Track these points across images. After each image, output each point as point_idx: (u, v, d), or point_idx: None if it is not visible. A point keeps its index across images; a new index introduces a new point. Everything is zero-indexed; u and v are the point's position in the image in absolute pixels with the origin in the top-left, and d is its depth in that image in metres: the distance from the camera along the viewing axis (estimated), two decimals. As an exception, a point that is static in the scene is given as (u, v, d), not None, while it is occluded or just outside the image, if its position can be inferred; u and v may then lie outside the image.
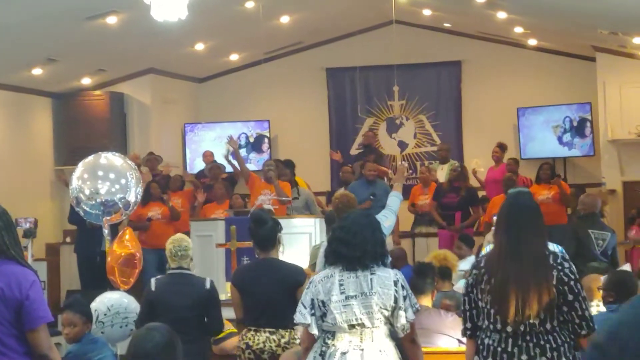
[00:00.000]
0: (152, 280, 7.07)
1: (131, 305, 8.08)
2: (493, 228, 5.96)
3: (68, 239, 13.72)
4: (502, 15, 13.27)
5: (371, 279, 4.99)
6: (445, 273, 8.10)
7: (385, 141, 16.19)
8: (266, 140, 16.12)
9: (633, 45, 13.44)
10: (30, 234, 9.21)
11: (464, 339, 4.92)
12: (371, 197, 11.45)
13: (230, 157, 13.42)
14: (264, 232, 6.62)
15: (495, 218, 5.18)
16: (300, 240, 9.91)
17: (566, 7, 12.22)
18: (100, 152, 9.42)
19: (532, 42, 15.36)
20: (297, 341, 6.21)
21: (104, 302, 8.09)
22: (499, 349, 4.55)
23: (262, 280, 6.50)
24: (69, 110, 14.64)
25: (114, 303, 8.08)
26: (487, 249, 5.35)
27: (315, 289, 5.07)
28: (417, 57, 15.83)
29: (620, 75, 14.37)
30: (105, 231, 9.11)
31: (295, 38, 15.78)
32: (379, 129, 16.21)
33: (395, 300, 4.97)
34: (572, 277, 4.55)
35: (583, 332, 4.53)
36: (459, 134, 15.99)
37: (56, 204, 14.45)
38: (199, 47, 14.33)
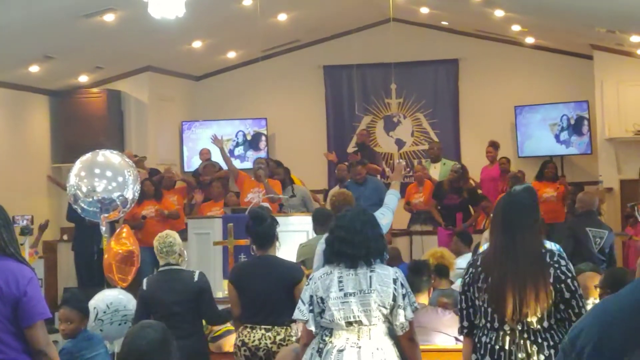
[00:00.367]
0: (144, 279, 7.08)
1: (130, 302, 8.07)
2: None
3: (65, 237, 13.71)
4: (499, 13, 13.27)
5: (370, 277, 4.99)
6: (442, 271, 8.10)
7: (382, 139, 16.20)
8: (263, 138, 16.13)
9: (630, 44, 13.45)
10: (26, 231, 9.21)
11: (461, 337, 4.92)
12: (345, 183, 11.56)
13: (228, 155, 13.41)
14: (262, 229, 6.62)
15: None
16: (297, 238, 9.88)
17: (564, 5, 12.23)
18: (98, 150, 9.41)
19: (530, 40, 15.37)
20: (293, 338, 6.22)
21: (103, 299, 8.07)
22: (497, 347, 4.55)
23: (259, 277, 6.50)
24: (66, 107, 14.63)
25: (114, 300, 8.07)
26: (484, 247, 5.35)
27: (315, 286, 5.07)
28: (414, 55, 15.84)
29: (617, 73, 14.38)
30: (103, 228, 9.10)
31: (292, 36, 15.78)
32: (376, 127, 16.22)
33: (394, 299, 4.97)
34: (569, 275, 4.55)
35: (580, 330, 4.53)
36: (456, 132, 16.00)
37: (53, 201, 14.44)
38: (197, 44, 14.32)
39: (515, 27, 14.39)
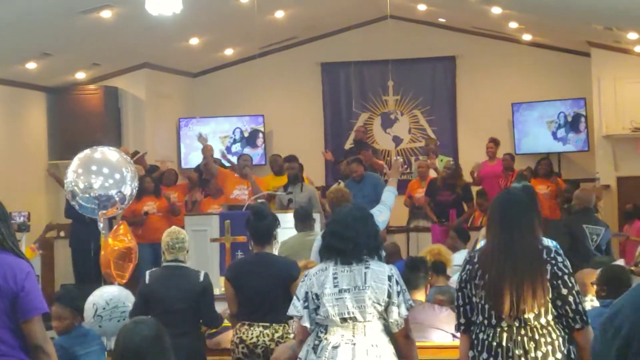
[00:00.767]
0: (147, 273, 7.06)
1: (129, 299, 8.07)
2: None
3: (62, 233, 13.70)
4: (496, 10, 13.26)
5: (365, 273, 4.99)
6: (439, 268, 8.09)
7: (379, 136, 16.21)
8: (261, 135, 16.13)
9: (628, 41, 13.46)
10: (23, 227, 9.20)
11: (458, 334, 4.92)
12: (339, 181, 11.53)
13: (226, 153, 13.43)
14: (263, 226, 6.62)
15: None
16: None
17: (561, 2, 12.23)
18: (96, 146, 9.41)
19: (527, 37, 15.38)
20: (291, 335, 6.21)
21: (102, 296, 8.07)
22: (494, 343, 4.56)
23: (256, 274, 6.49)
24: (63, 104, 14.62)
25: (113, 297, 8.07)
26: (481, 244, 5.35)
27: (310, 282, 5.07)
28: (411, 52, 15.85)
29: (614, 70, 14.39)
30: (101, 225, 9.10)
31: (290, 33, 15.78)
32: (373, 124, 16.22)
33: (389, 295, 4.97)
34: (566, 271, 4.55)
35: (577, 326, 4.54)
36: (453, 129, 16.01)
37: (50, 198, 14.43)
38: (194, 41, 14.31)
39: (513, 25, 14.39)
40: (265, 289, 6.42)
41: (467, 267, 4.72)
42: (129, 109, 15.04)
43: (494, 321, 4.57)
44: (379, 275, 5.00)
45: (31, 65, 13.08)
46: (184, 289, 6.84)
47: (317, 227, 9.30)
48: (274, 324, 6.39)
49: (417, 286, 6.95)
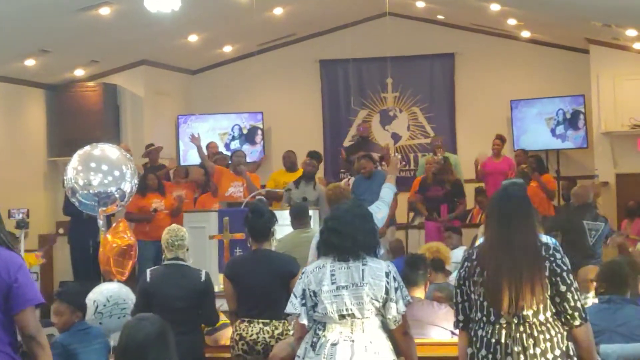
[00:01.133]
0: (148, 271, 7.05)
1: (129, 296, 8.07)
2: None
3: (61, 230, 13.70)
4: (495, 7, 13.26)
5: (363, 270, 4.99)
6: (437, 265, 8.10)
7: (378, 133, 16.20)
8: (259, 132, 16.12)
9: (626, 38, 13.46)
10: (22, 225, 9.20)
11: (457, 331, 4.93)
12: (348, 177, 11.53)
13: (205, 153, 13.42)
14: (260, 223, 6.63)
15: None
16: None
17: (560, -1, 12.25)
18: (96, 143, 9.41)
19: (526, 34, 15.37)
20: (291, 332, 6.21)
21: (103, 292, 8.08)
22: (493, 340, 4.56)
23: (256, 271, 6.50)
24: (61, 101, 14.61)
25: (113, 294, 8.07)
26: (480, 240, 5.36)
27: (307, 279, 5.08)
28: (410, 49, 15.84)
29: (613, 67, 14.39)
30: (100, 222, 9.10)
31: (288, 30, 15.77)
32: (372, 121, 16.22)
33: (387, 292, 4.97)
34: (565, 268, 4.56)
35: (576, 323, 4.54)
36: (452, 126, 16.00)
37: (49, 195, 14.43)
38: (192, 38, 14.30)
39: (511, 21, 14.38)
40: (264, 285, 6.43)
41: (466, 264, 4.73)
42: (127, 106, 15.03)
43: (492, 318, 4.57)
44: (377, 272, 5.00)
45: (30, 62, 13.08)
46: (185, 288, 6.83)
47: (316, 225, 9.30)
48: (273, 321, 6.40)
49: (416, 283, 6.97)
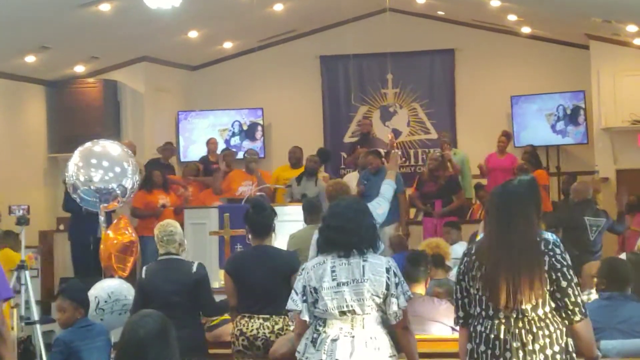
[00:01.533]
0: (144, 268, 7.07)
1: (130, 292, 8.09)
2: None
3: (62, 227, 13.71)
4: (495, 3, 13.26)
5: (363, 266, 5.00)
6: (438, 261, 8.11)
7: (378, 129, 16.20)
8: (260, 128, 16.12)
9: (627, 33, 13.45)
10: (23, 221, 9.20)
11: (457, 327, 4.93)
12: (364, 182, 11.47)
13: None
14: (262, 219, 6.63)
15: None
16: (292, 228, 9.88)
17: (560, -5, 12.25)
18: (97, 140, 9.42)
19: (526, 30, 15.37)
20: (291, 327, 6.22)
21: (104, 289, 8.10)
22: (492, 335, 4.55)
23: (256, 267, 6.51)
24: (62, 98, 14.61)
25: (114, 290, 8.10)
26: (480, 236, 5.36)
27: (308, 276, 5.08)
28: (410, 45, 15.83)
29: (614, 63, 14.38)
30: (102, 218, 9.11)
31: (288, 26, 15.76)
32: (372, 117, 16.21)
33: (387, 287, 4.98)
34: (565, 263, 4.54)
35: (576, 319, 4.53)
36: (452, 122, 16.00)
37: (49, 191, 14.43)
38: (193, 34, 14.29)
39: (512, 17, 14.38)
40: (264, 281, 6.43)
41: (465, 259, 4.73)
42: (128, 102, 15.03)
43: (491, 312, 4.56)
44: (377, 267, 5.01)
45: (30, 59, 13.08)
46: (177, 281, 6.84)
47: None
48: (274, 316, 6.40)
49: (417, 280, 6.98)
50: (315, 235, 6.55)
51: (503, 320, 4.54)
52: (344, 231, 5.06)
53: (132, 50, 14.60)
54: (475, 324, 4.64)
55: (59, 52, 13.20)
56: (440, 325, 6.78)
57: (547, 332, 4.51)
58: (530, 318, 4.51)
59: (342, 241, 5.04)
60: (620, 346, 5.71)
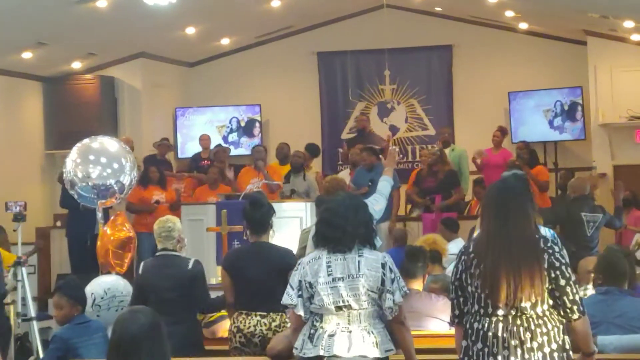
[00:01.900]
0: (141, 264, 7.07)
1: (127, 289, 8.10)
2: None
3: (59, 223, 13.70)
4: (493, -1, 13.27)
5: (359, 261, 5.01)
6: (435, 257, 8.12)
7: (376, 125, 16.18)
8: (257, 124, 16.11)
9: (624, 29, 13.45)
10: (20, 217, 9.20)
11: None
12: (369, 183, 11.45)
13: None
14: (259, 215, 6.61)
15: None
16: (291, 225, 9.90)
17: (557, -9, 12.24)
18: (95, 136, 9.42)
19: (523, 26, 15.36)
20: (289, 324, 6.22)
21: (100, 285, 8.10)
22: (489, 333, 4.54)
23: (253, 263, 6.50)
24: (59, 94, 14.60)
25: (111, 287, 8.10)
26: (478, 232, 5.35)
27: (303, 271, 5.09)
28: (408, 41, 15.81)
29: (611, 59, 14.38)
30: (99, 214, 9.11)
31: (286, 22, 15.75)
32: (370, 113, 16.20)
33: (383, 283, 4.98)
34: (563, 261, 4.54)
35: (575, 317, 4.53)
36: (450, 118, 15.98)
37: (46, 187, 14.42)
38: (190, 31, 14.28)
39: (509, 13, 14.37)
40: (262, 277, 6.42)
41: (462, 257, 4.70)
42: (125, 98, 15.02)
43: (489, 310, 4.55)
44: (373, 263, 5.01)
45: (27, 55, 13.07)
46: (173, 277, 6.83)
47: (307, 216, 9.33)
48: (271, 313, 6.40)
49: (415, 275, 6.98)
50: (313, 231, 6.56)
51: (501, 318, 4.53)
52: (337, 227, 5.06)
53: (129, 46, 14.58)
54: (472, 321, 4.62)
55: (56, 48, 13.19)
56: (438, 321, 6.78)
57: (545, 330, 4.50)
58: (528, 316, 4.50)
59: (335, 236, 5.05)
60: (617, 342, 5.72)
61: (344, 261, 5.02)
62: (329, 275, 5.00)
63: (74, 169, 8.98)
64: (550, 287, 4.50)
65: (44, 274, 13.14)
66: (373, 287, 4.97)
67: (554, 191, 14.31)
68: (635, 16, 12.51)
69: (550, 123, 15.12)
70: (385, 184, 7.68)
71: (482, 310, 4.58)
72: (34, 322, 8.90)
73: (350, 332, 4.97)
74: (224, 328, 7.13)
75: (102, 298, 7.94)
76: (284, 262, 6.50)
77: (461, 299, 4.69)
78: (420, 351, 5.35)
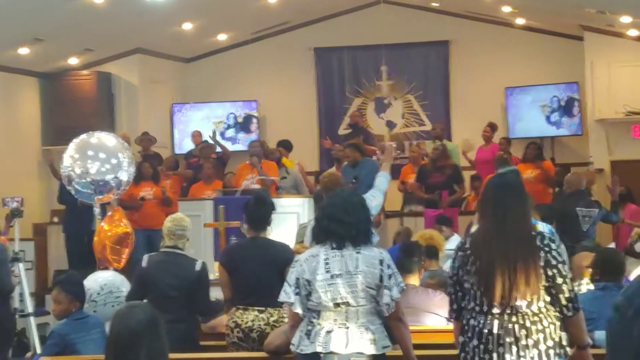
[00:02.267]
0: (145, 257, 7.04)
1: (123, 284, 8.09)
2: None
3: (56, 219, 13.70)
4: (490, -6, 13.27)
5: (357, 258, 5.01)
6: (431, 252, 8.12)
7: (373, 121, 16.19)
8: (254, 120, 16.11)
9: (621, 24, 13.46)
10: (17, 213, 9.19)
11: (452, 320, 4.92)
12: (353, 180, 11.44)
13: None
14: (262, 212, 6.63)
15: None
16: (288, 220, 9.92)
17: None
18: (93, 132, 9.41)
19: (520, 21, 15.36)
20: (286, 319, 6.22)
21: (97, 281, 8.09)
22: (485, 330, 4.54)
23: (251, 259, 6.50)
24: (56, 90, 14.58)
25: (107, 282, 8.09)
26: (475, 227, 5.35)
27: (301, 268, 5.09)
28: (405, 37, 15.81)
29: (608, 54, 14.39)
30: (97, 210, 9.10)
31: (282, 18, 15.74)
32: (367, 109, 16.21)
33: (381, 279, 4.99)
34: (560, 259, 4.53)
35: (570, 314, 4.53)
36: (447, 113, 15.99)
37: (43, 183, 14.40)
38: (187, 26, 14.26)
39: (506, 9, 14.37)
40: (259, 273, 6.43)
41: (460, 253, 4.71)
42: (122, 94, 15.01)
43: (485, 307, 4.55)
44: (370, 259, 5.02)
45: (24, 51, 13.05)
46: (179, 277, 6.83)
47: (305, 210, 9.33)
48: (268, 308, 6.40)
49: (411, 271, 6.98)
50: (310, 226, 6.56)
51: (497, 316, 4.53)
52: (341, 222, 5.07)
53: (126, 42, 14.56)
54: (469, 317, 4.63)
55: (53, 44, 13.17)
56: (435, 316, 6.78)
57: (540, 327, 4.50)
58: (524, 313, 4.50)
59: (339, 232, 5.05)
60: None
61: (342, 258, 5.02)
62: (327, 272, 5.00)
63: (72, 165, 8.96)
64: (546, 285, 4.50)
65: (42, 270, 13.13)
66: (371, 284, 4.98)
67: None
68: (632, 11, 12.51)
69: (547, 118, 15.13)
70: (382, 179, 7.69)
71: (477, 308, 4.58)
72: (32, 318, 8.90)
73: (347, 328, 4.97)
74: (221, 323, 7.12)
75: (98, 294, 7.93)
76: (282, 257, 6.51)
77: (459, 294, 4.70)
78: (417, 346, 5.35)
